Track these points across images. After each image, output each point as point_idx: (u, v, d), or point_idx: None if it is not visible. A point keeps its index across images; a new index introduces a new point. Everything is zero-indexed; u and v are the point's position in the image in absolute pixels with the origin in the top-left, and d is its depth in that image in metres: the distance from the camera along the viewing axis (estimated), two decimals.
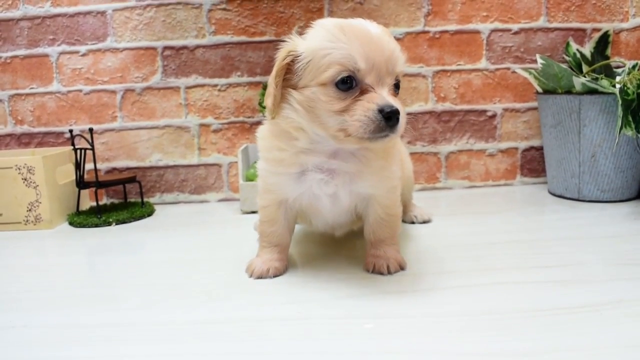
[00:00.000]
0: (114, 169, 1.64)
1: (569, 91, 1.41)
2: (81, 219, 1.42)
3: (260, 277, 0.96)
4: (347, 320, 0.78)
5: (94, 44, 1.59)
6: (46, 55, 1.60)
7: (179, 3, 1.57)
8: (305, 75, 0.86)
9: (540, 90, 1.51)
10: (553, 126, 1.47)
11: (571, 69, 1.53)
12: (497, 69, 1.63)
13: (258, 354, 0.70)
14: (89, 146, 1.46)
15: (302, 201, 0.96)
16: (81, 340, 0.76)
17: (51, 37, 1.59)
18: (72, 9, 1.58)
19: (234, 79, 1.60)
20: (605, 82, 1.36)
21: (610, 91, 1.32)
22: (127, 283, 0.99)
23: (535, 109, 1.65)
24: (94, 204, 1.57)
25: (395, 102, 0.82)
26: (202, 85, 1.60)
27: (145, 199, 1.61)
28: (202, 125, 1.62)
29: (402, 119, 0.83)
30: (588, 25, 1.62)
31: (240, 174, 1.47)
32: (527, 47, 1.62)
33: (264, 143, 0.95)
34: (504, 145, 1.67)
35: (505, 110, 1.65)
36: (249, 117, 1.61)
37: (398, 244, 1.02)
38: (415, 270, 0.98)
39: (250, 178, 1.47)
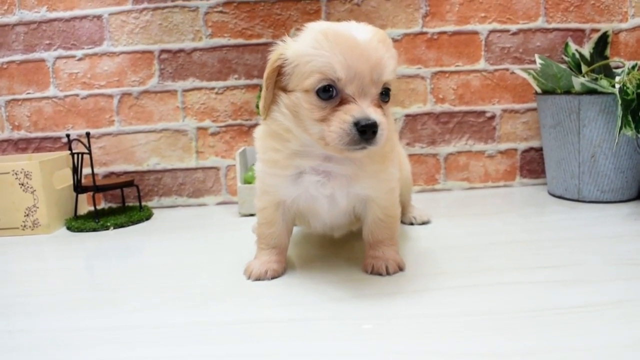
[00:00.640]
0: (112, 173, 1.64)
1: (568, 91, 1.41)
2: (79, 223, 1.41)
3: (258, 278, 0.95)
4: (345, 322, 0.78)
5: (90, 48, 1.58)
6: (42, 60, 1.60)
7: (175, 6, 1.56)
8: (292, 80, 0.85)
9: (539, 90, 1.50)
10: (552, 127, 1.46)
11: (570, 69, 1.53)
12: (496, 70, 1.62)
13: (257, 355, 0.69)
14: (86, 151, 1.45)
15: (300, 203, 0.95)
16: (80, 344, 0.75)
17: (47, 41, 1.59)
18: (68, 14, 1.57)
19: (231, 81, 1.59)
20: (604, 82, 1.35)
21: (609, 91, 1.32)
22: (126, 287, 0.98)
23: (534, 109, 1.64)
24: (92, 208, 1.56)
25: (374, 115, 0.80)
26: (200, 89, 1.60)
27: (143, 203, 1.60)
28: (199, 128, 1.61)
29: (383, 130, 0.80)
30: (587, 26, 1.62)
31: (238, 177, 1.47)
32: (525, 47, 1.62)
33: (260, 143, 0.95)
34: (503, 146, 1.66)
35: (504, 111, 1.64)
36: (247, 120, 1.61)
37: (397, 245, 1.01)
38: (414, 271, 0.97)
39: (248, 181, 1.47)
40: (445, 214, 1.40)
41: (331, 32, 0.82)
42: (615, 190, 1.40)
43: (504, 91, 1.63)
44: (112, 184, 1.48)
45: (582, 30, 1.62)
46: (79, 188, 1.46)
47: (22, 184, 1.38)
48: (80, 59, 1.59)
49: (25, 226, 1.39)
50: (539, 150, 1.65)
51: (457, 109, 1.63)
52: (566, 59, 1.57)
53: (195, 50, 1.58)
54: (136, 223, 1.45)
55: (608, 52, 1.55)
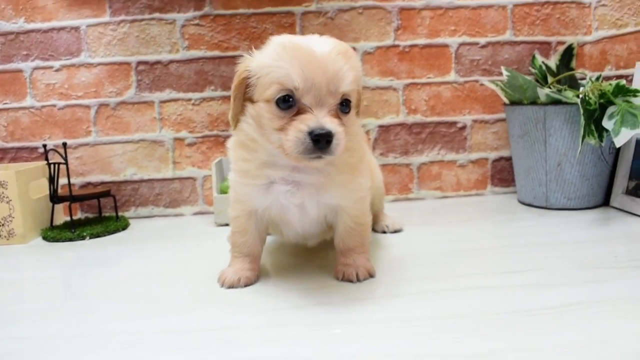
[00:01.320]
0: (89, 183, 1.64)
1: (534, 102, 1.45)
2: (55, 233, 1.42)
3: (231, 286, 0.97)
4: (315, 327, 0.80)
5: (67, 59, 1.60)
6: (20, 71, 1.60)
7: (152, 19, 1.58)
8: (256, 91, 0.88)
9: (507, 101, 1.55)
10: (520, 136, 1.50)
11: (537, 81, 1.58)
12: (466, 82, 1.67)
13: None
14: (62, 161, 1.46)
15: (271, 212, 0.97)
16: (51, 351, 0.76)
17: (25, 52, 1.59)
18: (45, 25, 1.58)
19: (207, 93, 1.62)
20: (569, 93, 1.40)
21: (573, 101, 1.37)
22: (100, 295, 0.99)
23: (503, 120, 1.69)
24: (68, 218, 1.57)
25: (330, 124, 0.82)
26: (176, 100, 1.61)
27: (120, 213, 1.61)
28: (176, 139, 1.63)
29: (339, 140, 0.82)
30: (553, 39, 1.67)
31: (214, 187, 1.48)
32: (494, 60, 1.66)
33: (232, 153, 0.97)
34: (475, 155, 1.70)
35: (475, 121, 1.69)
36: (223, 131, 1.63)
37: (368, 252, 1.04)
38: (385, 277, 1.00)
39: (224, 191, 1.48)
40: (418, 222, 1.44)
41: (290, 45, 0.85)
42: (582, 197, 1.45)
43: (474, 102, 1.68)
44: (88, 194, 1.48)
45: (549, 43, 1.67)
46: (55, 198, 1.46)
47: None
48: (57, 70, 1.60)
49: (0, 236, 1.39)
50: (509, 159, 1.70)
51: (429, 119, 1.67)
52: (533, 70, 1.63)
53: (172, 62, 1.60)
54: (112, 233, 1.46)
55: (574, 64, 1.61)
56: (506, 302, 0.86)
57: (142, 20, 1.59)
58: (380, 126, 1.66)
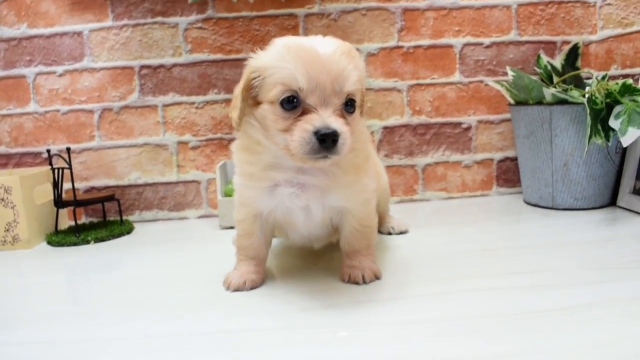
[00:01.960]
0: (93, 188, 1.64)
1: (540, 102, 1.44)
2: (59, 238, 1.42)
3: (237, 289, 0.96)
4: (321, 329, 0.79)
5: (70, 64, 1.60)
6: (23, 77, 1.60)
7: (155, 22, 1.58)
8: (260, 92, 0.88)
9: (512, 101, 1.54)
10: (526, 137, 1.50)
11: (542, 80, 1.57)
12: (471, 82, 1.66)
13: None
14: (66, 165, 1.46)
15: (276, 214, 0.97)
16: (55, 356, 0.76)
17: (28, 58, 1.59)
18: (48, 30, 1.58)
19: (211, 96, 1.61)
20: (575, 93, 1.39)
21: (579, 101, 1.36)
22: (105, 299, 0.99)
23: (508, 120, 1.68)
24: (73, 223, 1.56)
25: (335, 124, 0.81)
26: (180, 103, 1.61)
27: (124, 217, 1.60)
28: (180, 142, 1.63)
29: (344, 140, 0.82)
30: (558, 38, 1.67)
31: (218, 190, 1.48)
32: (499, 60, 1.66)
33: (236, 156, 0.97)
34: (480, 156, 1.70)
35: (480, 122, 1.68)
36: (227, 134, 1.62)
37: (374, 254, 1.03)
38: (391, 279, 0.99)
39: (228, 194, 1.48)
40: (423, 224, 1.43)
41: (294, 46, 0.85)
42: (588, 197, 1.44)
43: (479, 103, 1.67)
44: (92, 198, 1.48)
45: (554, 43, 1.66)
46: (59, 203, 1.46)
47: (2, 199, 1.38)
48: (60, 75, 1.60)
49: (5, 241, 1.39)
50: (514, 159, 1.69)
51: (433, 120, 1.67)
52: (538, 70, 1.62)
53: (175, 65, 1.60)
54: (117, 237, 1.46)
55: (579, 63, 1.60)
56: (513, 303, 0.85)
57: (144, 24, 1.58)
58: (385, 127, 1.66)
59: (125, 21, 1.58)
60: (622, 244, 1.13)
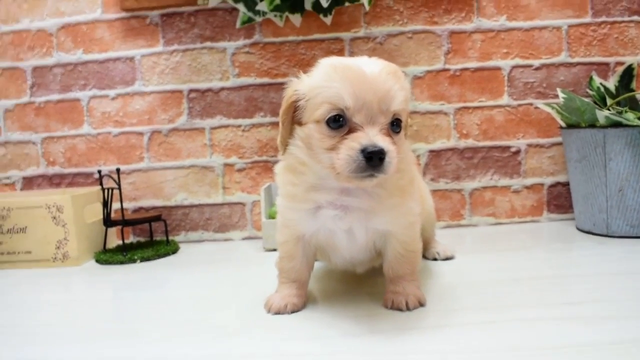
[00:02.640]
0: (141, 208, 1.68)
1: (592, 125, 1.40)
2: (107, 256, 1.45)
3: (278, 312, 0.96)
4: (363, 356, 0.77)
5: (122, 88, 1.65)
6: (78, 100, 1.66)
7: (204, 47, 1.62)
8: (305, 113, 0.88)
9: (563, 124, 1.50)
10: (578, 161, 1.45)
11: (595, 102, 1.52)
12: (520, 105, 1.62)
13: None
14: (116, 186, 1.49)
15: (319, 237, 0.96)
16: None
17: (82, 82, 1.66)
18: (102, 56, 1.64)
19: (257, 119, 1.63)
20: (630, 115, 1.34)
21: (635, 124, 1.31)
22: (148, 318, 1.00)
23: (560, 143, 1.63)
24: (121, 242, 1.60)
25: (382, 142, 0.81)
26: (227, 126, 1.64)
27: (170, 237, 1.63)
28: (226, 164, 1.65)
29: (391, 158, 0.81)
30: (611, 59, 1.62)
31: (263, 212, 1.49)
32: (549, 82, 1.62)
33: (280, 178, 0.97)
34: (529, 181, 1.65)
35: (530, 145, 1.64)
36: (272, 157, 1.63)
37: (418, 280, 1.01)
38: (435, 306, 0.96)
39: (272, 216, 1.48)
40: (470, 250, 1.39)
41: (340, 66, 0.85)
42: None
43: (529, 126, 1.63)
44: (140, 218, 1.51)
45: (607, 64, 1.61)
46: (108, 222, 1.50)
47: (54, 217, 1.42)
48: (113, 99, 1.66)
49: (55, 258, 1.43)
50: (566, 184, 1.64)
51: (481, 144, 1.63)
52: (591, 92, 1.57)
53: (222, 89, 1.63)
54: (163, 257, 1.48)
55: (634, 84, 1.54)
56: (564, 335, 0.81)
57: (194, 49, 1.62)
58: (431, 151, 1.64)
59: (175, 46, 1.63)
60: None
